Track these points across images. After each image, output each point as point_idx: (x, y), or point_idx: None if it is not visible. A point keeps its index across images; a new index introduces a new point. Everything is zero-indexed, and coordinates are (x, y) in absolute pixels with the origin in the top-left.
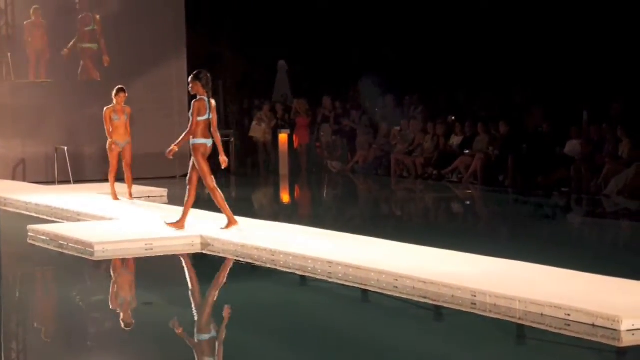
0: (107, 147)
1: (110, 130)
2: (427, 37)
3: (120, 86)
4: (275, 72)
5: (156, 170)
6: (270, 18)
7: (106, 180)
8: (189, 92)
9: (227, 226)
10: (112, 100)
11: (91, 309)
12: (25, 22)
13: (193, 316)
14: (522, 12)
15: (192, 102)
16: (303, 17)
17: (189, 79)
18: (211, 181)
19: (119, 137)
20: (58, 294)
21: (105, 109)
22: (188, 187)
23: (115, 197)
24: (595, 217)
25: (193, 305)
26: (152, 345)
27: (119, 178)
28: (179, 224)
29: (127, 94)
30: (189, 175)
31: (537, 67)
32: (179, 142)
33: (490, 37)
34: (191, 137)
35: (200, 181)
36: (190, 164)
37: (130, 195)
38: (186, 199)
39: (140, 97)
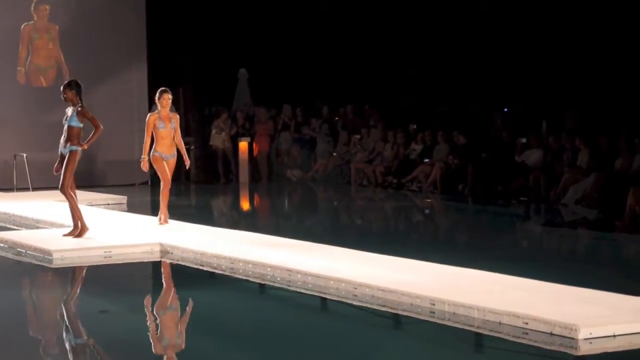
0: (150, 159)
1: (148, 141)
2: (388, 46)
3: (163, 88)
4: (236, 80)
5: (115, 178)
6: (231, 26)
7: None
8: (150, 100)
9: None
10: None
11: (46, 317)
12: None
13: (150, 324)
14: (479, 22)
15: (82, 109)
16: (264, 24)
17: (65, 88)
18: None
19: (163, 148)
20: (14, 301)
21: (149, 115)
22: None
23: (165, 221)
24: (554, 226)
25: (150, 313)
26: (107, 354)
27: (83, 185)
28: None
29: (171, 96)
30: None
31: (496, 76)
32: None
33: (450, 47)
34: (69, 143)
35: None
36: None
37: (166, 218)
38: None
39: (101, 105)
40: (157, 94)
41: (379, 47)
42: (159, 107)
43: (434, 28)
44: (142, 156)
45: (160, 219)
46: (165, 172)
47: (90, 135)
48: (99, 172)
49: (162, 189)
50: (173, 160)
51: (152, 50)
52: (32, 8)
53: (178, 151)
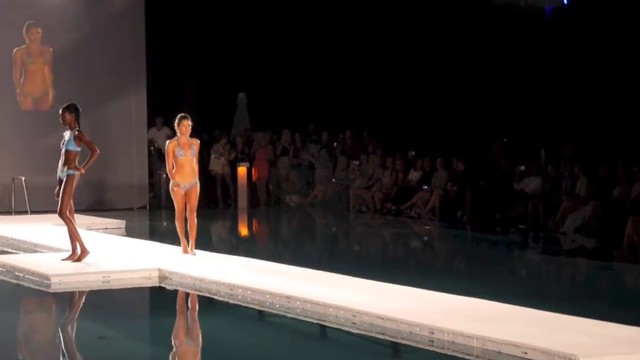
0: (169, 188)
1: (172, 169)
2: (389, 72)
3: (182, 114)
4: (235, 104)
5: (114, 202)
6: (230, 50)
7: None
8: (149, 123)
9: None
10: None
11: (44, 342)
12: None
13: (147, 350)
14: (481, 52)
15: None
16: (264, 49)
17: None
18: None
19: (183, 177)
20: (11, 325)
21: (168, 142)
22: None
23: (186, 250)
24: (552, 254)
25: (148, 339)
26: None
27: (81, 209)
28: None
29: (191, 122)
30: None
31: (495, 103)
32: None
33: (450, 75)
34: (66, 167)
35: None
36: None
37: (192, 246)
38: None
39: (99, 129)
40: (176, 120)
41: (379, 73)
42: (177, 134)
43: (434, 56)
44: (172, 181)
45: (185, 249)
46: (181, 202)
47: (88, 159)
48: (97, 196)
49: (176, 219)
50: (195, 189)
51: (151, 73)
52: (23, 31)
53: None
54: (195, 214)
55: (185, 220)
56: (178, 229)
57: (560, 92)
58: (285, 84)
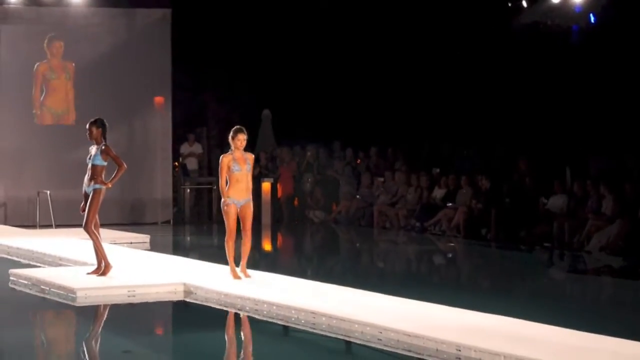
0: (222, 207)
1: (224, 185)
2: (415, 90)
3: (238, 126)
4: (259, 120)
5: (139, 216)
6: (255, 66)
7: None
8: (174, 138)
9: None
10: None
11: (70, 356)
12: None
13: None
14: (508, 69)
15: (106, 147)
16: (289, 65)
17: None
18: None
19: (238, 193)
20: (37, 340)
21: (222, 157)
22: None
23: (236, 276)
24: (579, 273)
25: (173, 354)
26: None
27: (106, 223)
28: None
29: (247, 136)
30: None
31: (520, 121)
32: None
33: (476, 92)
34: (93, 182)
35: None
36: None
37: (244, 267)
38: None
39: (123, 143)
40: (231, 133)
41: (405, 89)
42: (232, 148)
43: (460, 74)
44: (223, 199)
45: (232, 274)
46: (234, 220)
47: (114, 174)
48: (122, 210)
49: (226, 239)
50: (249, 206)
51: (176, 88)
52: (45, 45)
53: None
54: (250, 233)
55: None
56: (228, 251)
57: (586, 111)
58: (310, 100)
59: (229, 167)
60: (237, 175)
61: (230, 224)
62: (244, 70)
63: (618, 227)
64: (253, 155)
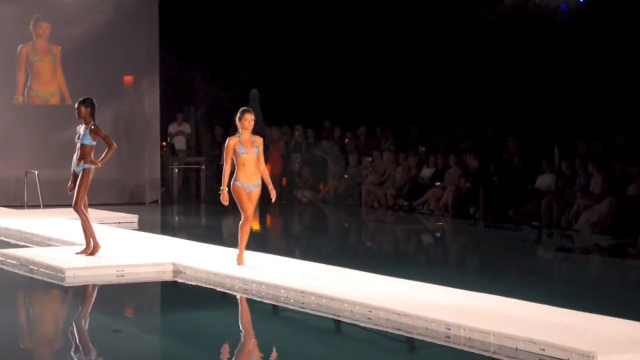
0: (230, 190)
1: (228, 170)
2: (403, 68)
3: (245, 107)
4: (247, 100)
5: (126, 196)
6: (243, 46)
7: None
8: (162, 118)
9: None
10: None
11: (58, 335)
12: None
13: (161, 344)
14: (495, 48)
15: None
16: (277, 44)
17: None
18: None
19: (246, 177)
20: (26, 319)
21: (228, 139)
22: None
23: (241, 262)
24: (567, 251)
25: (162, 334)
26: None
27: (94, 203)
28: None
29: (254, 117)
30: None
31: (509, 101)
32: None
33: (464, 71)
34: (82, 161)
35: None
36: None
37: (241, 258)
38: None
39: (111, 123)
40: (238, 114)
41: (393, 69)
42: (239, 130)
43: (448, 52)
44: (222, 187)
45: (237, 259)
46: (248, 205)
47: (104, 154)
48: (110, 190)
49: (241, 224)
50: (257, 191)
51: (163, 69)
52: (30, 26)
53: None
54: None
55: None
56: (242, 236)
57: (575, 90)
58: (298, 80)
59: (234, 150)
60: (243, 159)
61: (246, 210)
62: (232, 49)
63: (607, 206)
64: (262, 139)
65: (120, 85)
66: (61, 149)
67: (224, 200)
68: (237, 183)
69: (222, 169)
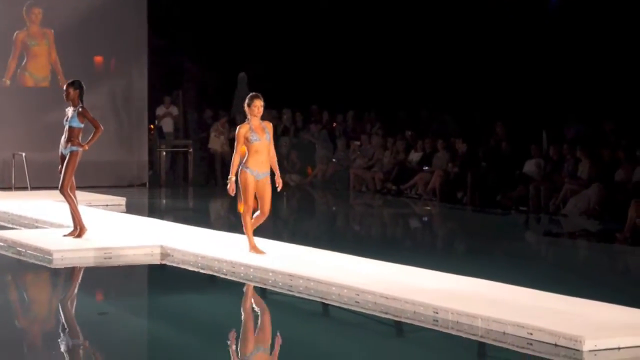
0: (239, 180)
1: (237, 159)
2: (390, 53)
3: (254, 93)
4: (235, 84)
5: (114, 179)
6: (232, 29)
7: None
8: (150, 100)
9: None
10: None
11: (45, 317)
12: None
13: (148, 327)
14: (484, 33)
15: (83, 109)
16: (266, 28)
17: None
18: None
19: (257, 165)
20: (13, 300)
21: (238, 127)
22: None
23: (259, 251)
24: (555, 236)
25: (149, 316)
26: (106, 356)
27: (81, 186)
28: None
29: (263, 102)
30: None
31: (497, 85)
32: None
33: (452, 55)
34: (69, 144)
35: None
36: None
37: (254, 247)
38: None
39: (99, 105)
40: (247, 100)
41: (381, 53)
42: (249, 116)
43: (437, 36)
44: (230, 177)
45: (255, 247)
46: (252, 194)
47: (91, 136)
48: (97, 173)
49: (243, 213)
50: (267, 180)
51: (152, 50)
52: (23, 12)
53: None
54: (268, 210)
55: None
56: (246, 226)
57: (563, 75)
58: (286, 64)
59: (246, 138)
60: (257, 146)
61: (248, 197)
62: (220, 32)
63: (594, 192)
64: (271, 124)
65: (108, 68)
66: (49, 131)
67: (231, 190)
68: (247, 170)
69: (209, 152)
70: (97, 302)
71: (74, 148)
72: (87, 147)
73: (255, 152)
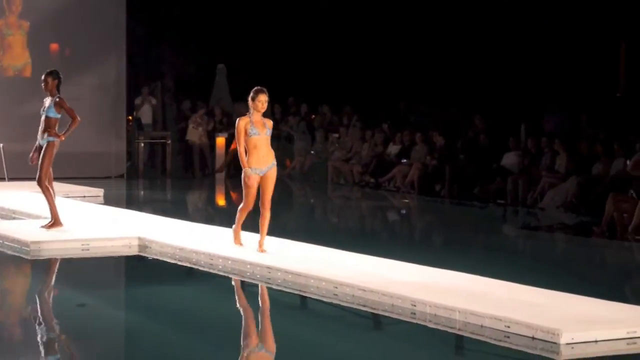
0: (243, 177)
1: (243, 151)
2: (369, 45)
3: (258, 87)
4: (214, 75)
5: (92, 170)
6: (210, 20)
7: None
8: (129, 91)
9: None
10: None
11: (22, 308)
12: None
13: (126, 318)
14: (462, 25)
15: (60, 100)
16: (244, 19)
17: (47, 77)
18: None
19: (258, 160)
20: None
21: (238, 120)
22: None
23: (239, 241)
24: (533, 229)
25: (127, 308)
26: (84, 347)
27: (59, 177)
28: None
29: (268, 97)
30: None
31: (476, 78)
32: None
33: (431, 48)
34: (46, 134)
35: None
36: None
37: (263, 242)
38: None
39: (77, 96)
40: (251, 94)
41: (359, 46)
42: (251, 110)
43: (414, 29)
44: (244, 170)
45: (239, 240)
46: (253, 195)
47: (68, 127)
48: (75, 164)
49: (240, 208)
50: (272, 172)
51: (130, 40)
52: (4, 1)
53: None
54: (269, 206)
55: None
56: (239, 217)
57: (541, 68)
58: (265, 55)
59: (245, 131)
60: (255, 140)
61: (249, 198)
62: (199, 24)
63: (572, 185)
64: (272, 122)
65: (87, 58)
66: (26, 122)
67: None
68: (249, 170)
69: (187, 143)
70: (75, 293)
71: (51, 138)
72: (63, 138)
73: (254, 148)
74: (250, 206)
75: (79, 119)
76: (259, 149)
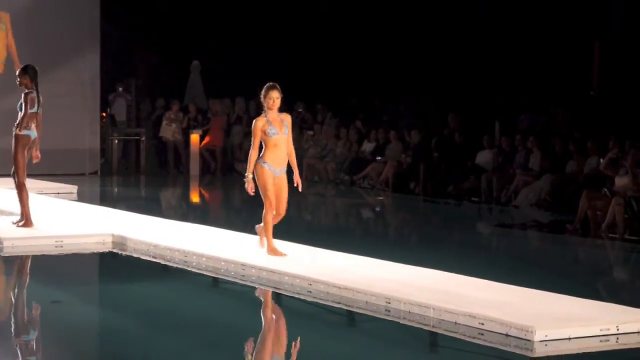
0: (256, 176)
1: (255, 155)
2: (344, 43)
3: (270, 83)
4: (189, 72)
5: (65, 167)
6: (184, 17)
7: None
8: (102, 88)
9: (22, 224)
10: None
11: None
12: None
13: (101, 315)
14: (436, 23)
15: (24, 95)
16: (217, 16)
17: (21, 72)
18: (23, 176)
19: (275, 160)
20: None
21: (255, 120)
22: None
23: (278, 252)
24: (506, 227)
25: (102, 305)
26: (59, 344)
27: (33, 173)
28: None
29: (281, 94)
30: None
31: (450, 76)
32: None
33: (405, 46)
34: (17, 128)
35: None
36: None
37: (273, 249)
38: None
39: (52, 93)
40: (263, 91)
41: (334, 43)
42: (265, 109)
43: (389, 27)
44: (247, 174)
45: (273, 252)
46: (272, 191)
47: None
48: (48, 160)
49: (265, 212)
50: (284, 177)
51: (105, 36)
52: None
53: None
54: (284, 210)
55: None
56: (266, 226)
57: (516, 66)
58: (240, 52)
59: (264, 132)
60: (275, 140)
61: (269, 193)
62: (173, 20)
63: (546, 183)
64: (289, 116)
65: (61, 54)
66: (2, 118)
67: (250, 189)
68: (265, 165)
69: (161, 140)
70: (49, 290)
71: (15, 132)
72: (20, 132)
73: (274, 147)
74: (274, 205)
75: (29, 112)
76: (278, 148)
